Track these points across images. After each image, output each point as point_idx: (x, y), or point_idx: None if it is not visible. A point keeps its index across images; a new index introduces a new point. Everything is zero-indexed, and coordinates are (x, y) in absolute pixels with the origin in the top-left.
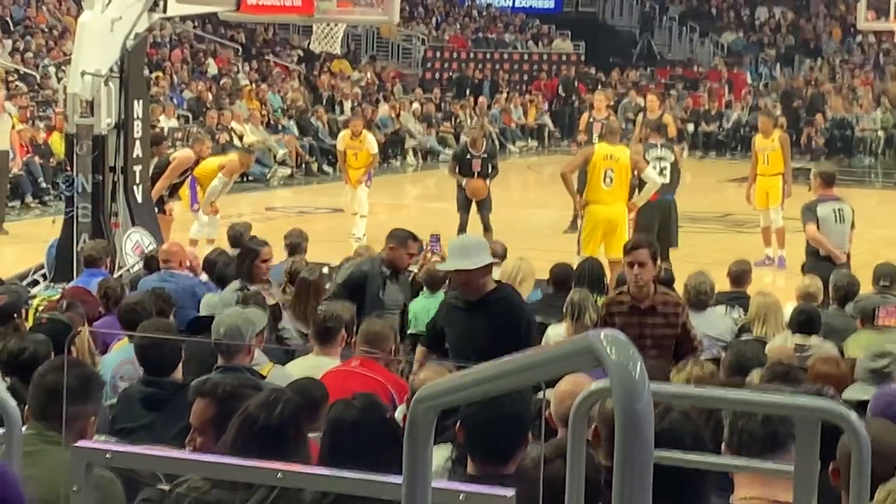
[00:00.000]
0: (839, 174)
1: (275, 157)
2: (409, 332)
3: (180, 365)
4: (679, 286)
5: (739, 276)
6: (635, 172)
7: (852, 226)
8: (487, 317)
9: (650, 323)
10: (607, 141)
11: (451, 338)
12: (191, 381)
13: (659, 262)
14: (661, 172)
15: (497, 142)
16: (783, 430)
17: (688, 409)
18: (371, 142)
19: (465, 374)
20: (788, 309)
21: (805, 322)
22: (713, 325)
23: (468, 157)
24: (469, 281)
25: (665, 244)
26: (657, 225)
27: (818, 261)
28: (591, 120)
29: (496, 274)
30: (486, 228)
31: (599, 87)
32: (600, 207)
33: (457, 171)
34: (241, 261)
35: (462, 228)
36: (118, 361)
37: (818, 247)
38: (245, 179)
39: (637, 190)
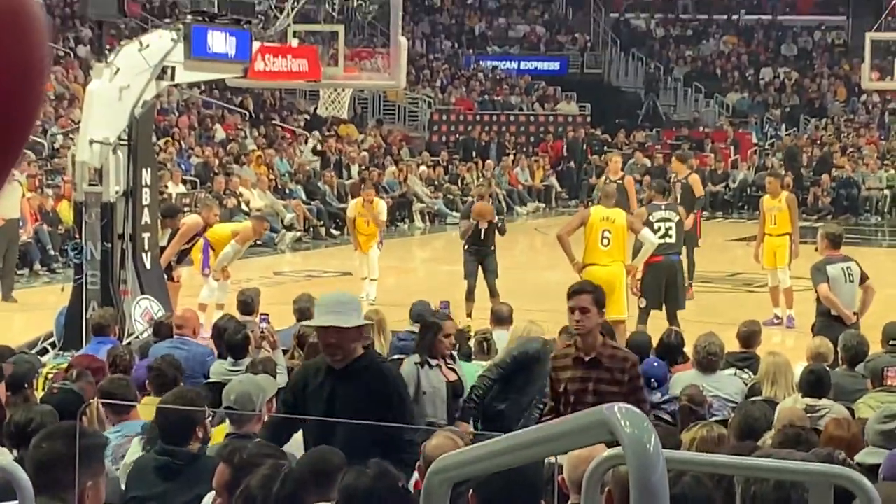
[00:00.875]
0: (846, 233)
1: (283, 221)
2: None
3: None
4: (689, 347)
5: (749, 336)
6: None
7: (863, 280)
8: (355, 387)
9: (594, 377)
10: (603, 203)
11: (312, 410)
12: (204, 452)
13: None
14: (665, 233)
15: (504, 203)
16: (795, 496)
17: (700, 473)
18: (382, 208)
19: (480, 446)
20: (798, 369)
21: (815, 383)
22: (723, 386)
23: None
24: (340, 342)
25: (672, 306)
26: (663, 286)
27: (829, 321)
28: (606, 181)
29: (504, 338)
30: (493, 294)
31: (606, 148)
32: (598, 269)
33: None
34: (422, 335)
35: (469, 293)
36: (118, 441)
37: (831, 307)
38: (254, 244)
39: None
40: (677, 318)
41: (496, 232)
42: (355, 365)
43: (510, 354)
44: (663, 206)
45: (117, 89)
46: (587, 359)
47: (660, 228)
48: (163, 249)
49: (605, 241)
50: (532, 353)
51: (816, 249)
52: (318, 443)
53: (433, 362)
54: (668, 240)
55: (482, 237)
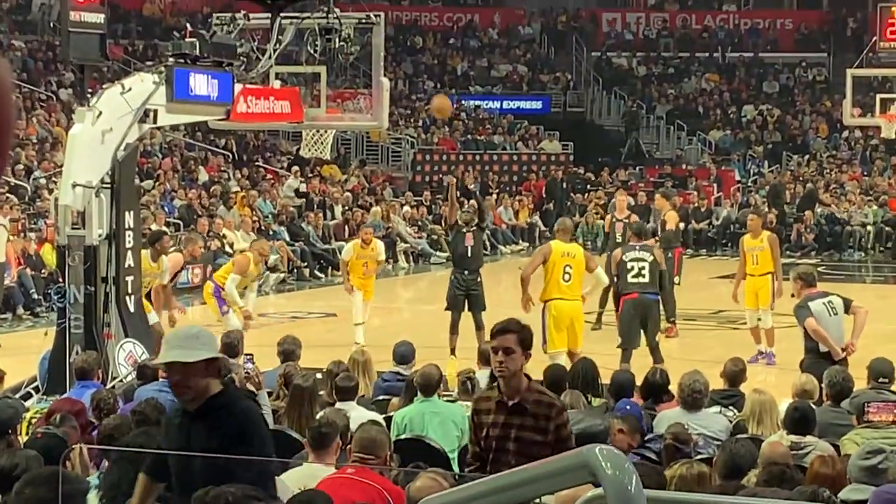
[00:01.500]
0: (831, 270)
1: (266, 263)
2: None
3: None
4: (673, 385)
5: (734, 375)
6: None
7: (847, 307)
8: (209, 427)
9: (517, 423)
10: (561, 238)
11: (170, 458)
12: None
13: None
14: (639, 273)
15: (488, 242)
16: None
17: None
18: (380, 249)
19: (464, 488)
20: (784, 406)
21: (800, 420)
22: (708, 424)
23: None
24: (185, 379)
25: (650, 339)
26: (639, 322)
27: (817, 357)
28: (613, 221)
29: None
30: (479, 328)
31: (588, 186)
32: (562, 303)
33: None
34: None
35: (454, 327)
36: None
37: (820, 341)
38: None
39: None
40: (659, 350)
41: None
42: (210, 404)
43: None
44: (637, 247)
45: (100, 132)
46: (510, 403)
47: (633, 268)
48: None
49: (567, 277)
50: (595, 432)
51: (793, 295)
52: (180, 484)
53: None
54: (640, 279)
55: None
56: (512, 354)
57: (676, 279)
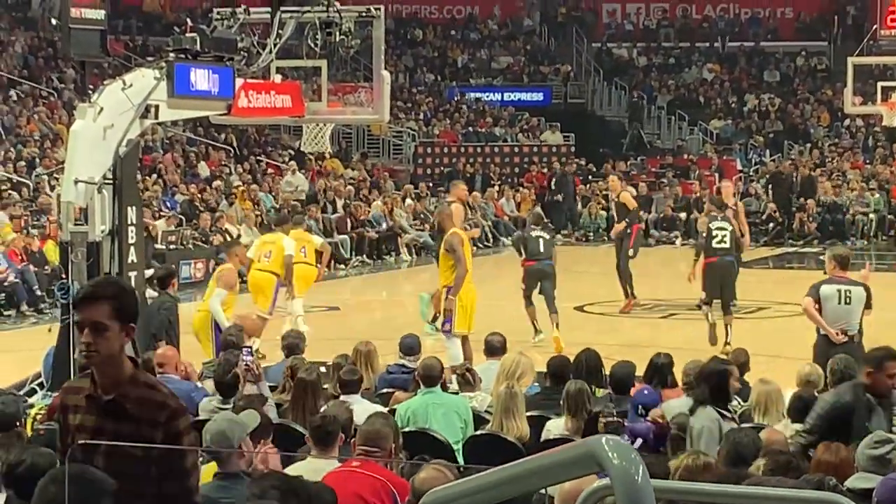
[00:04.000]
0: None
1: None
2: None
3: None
4: (678, 371)
5: (738, 365)
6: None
7: (869, 307)
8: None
9: (110, 429)
10: (459, 227)
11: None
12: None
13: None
14: (721, 239)
15: (490, 234)
16: None
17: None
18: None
19: (468, 480)
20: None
21: (803, 409)
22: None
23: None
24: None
25: (727, 296)
26: (719, 281)
27: (828, 340)
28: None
29: (494, 368)
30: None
31: (591, 177)
32: (471, 287)
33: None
34: (716, 382)
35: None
36: None
37: (811, 319)
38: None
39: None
40: (730, 307)
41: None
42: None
43: (819, 414)
44: (719, 217)
45: (101, 129)
46: (105, 400)
47: (717, 235)
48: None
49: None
50: (845, 403)
51: (825, 273)
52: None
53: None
54: (723, 244)
55: None
56: (105, 332)
57: (631, 252)
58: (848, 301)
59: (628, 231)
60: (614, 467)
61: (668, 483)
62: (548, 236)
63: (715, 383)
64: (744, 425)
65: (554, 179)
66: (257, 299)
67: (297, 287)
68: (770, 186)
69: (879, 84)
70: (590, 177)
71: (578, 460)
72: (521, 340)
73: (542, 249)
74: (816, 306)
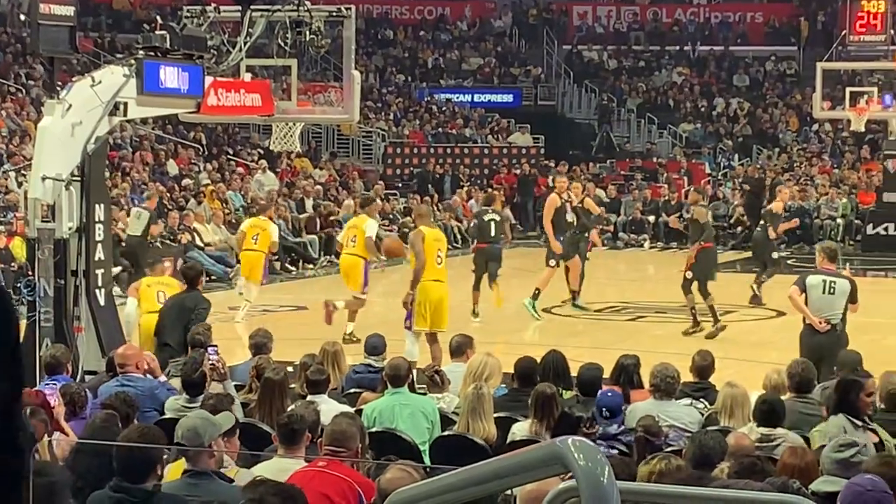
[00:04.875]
0: (801, 262)
1: (237, 256)
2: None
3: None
4: (645, 374)
5: (703, 368)
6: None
7: (854, 301)
8: None
9: None
10: (425, 224)
11: None
12: (159, 489)
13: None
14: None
15: (459, 235)
16: None
17: None
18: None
19: (434, 480)
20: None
21: (769, 412)
22: (679, 416)
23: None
24: None
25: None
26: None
27: (813, 328)
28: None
29: (461, 370)
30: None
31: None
32: (434, 284)
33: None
34: (843, 394)
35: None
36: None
37: (795, 307)
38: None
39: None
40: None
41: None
42: None
43: None
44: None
45: (69, 125)
46: None
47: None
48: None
49: (439, 260)
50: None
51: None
52: None
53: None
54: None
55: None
56: None
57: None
58: (832, 291)
59: (587, 236)
60: (580, 468)
61: (633, 485)
62: (499, 218)
63: (842, 394)
64: (709, 428)
65: (518, 182)
66: (348, 282)
67: (249, 273)
68: (742, 189)
69: (848, 89)
70: (564, 177)
71: (544, 461)
72: (490, 342)
73: (493, 232)
74: (802, 296)
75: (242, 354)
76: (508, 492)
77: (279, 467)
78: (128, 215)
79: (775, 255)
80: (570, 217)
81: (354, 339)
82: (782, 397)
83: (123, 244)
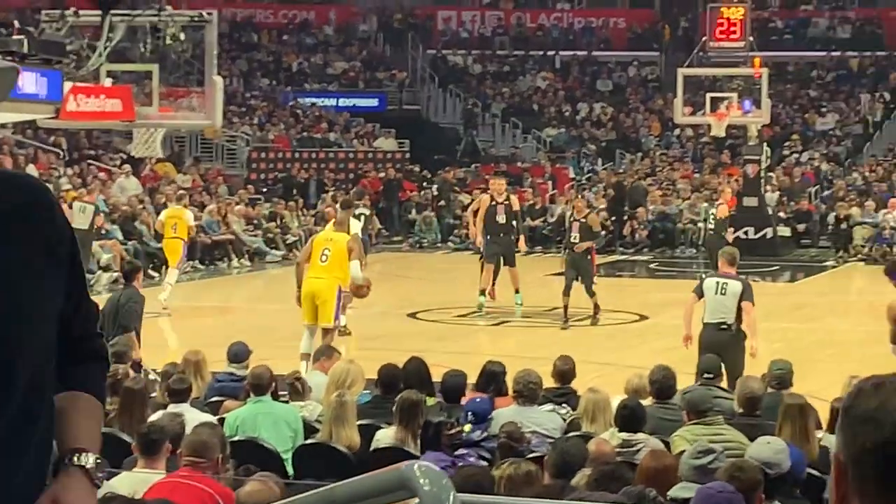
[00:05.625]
0: (664, 266)
1: (98, 262)
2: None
3: None
4: (509, 379)
5: (564, 372)
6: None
7: (748, 300)
8: None
9: None
10: (335, 228)
11: None
12: None
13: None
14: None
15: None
16: None
17: None
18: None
19: (288, 501)
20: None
21: (629, 417)
22: (542, 421)
23: None
24: None
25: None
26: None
27: (713, 329)
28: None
29: (323, 380)
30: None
31: (424, 184)
32: (314, 280)
33: None
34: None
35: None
36: None
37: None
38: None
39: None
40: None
41: None
42: None
43: None
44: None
45: None
46: None
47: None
48: None
49: (324, 258)
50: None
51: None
52: None
53: None
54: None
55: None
56: None
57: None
58: (723, 292)
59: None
60: (425, 494)
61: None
62: (368, 213)
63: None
64: (571, 434)
65: (383, 186)
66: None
67: (170, 260)
68: (607, 194)
69: (708, 95)
70: (424, 183)
71: (392, 486)
72: (353, 349)
73: (359, 228)
74: (700, 301)
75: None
76: None
77: (139, 478)
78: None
79: None
80: (501, 219)
81: (347, 331)
82: (643, 402)
83: None
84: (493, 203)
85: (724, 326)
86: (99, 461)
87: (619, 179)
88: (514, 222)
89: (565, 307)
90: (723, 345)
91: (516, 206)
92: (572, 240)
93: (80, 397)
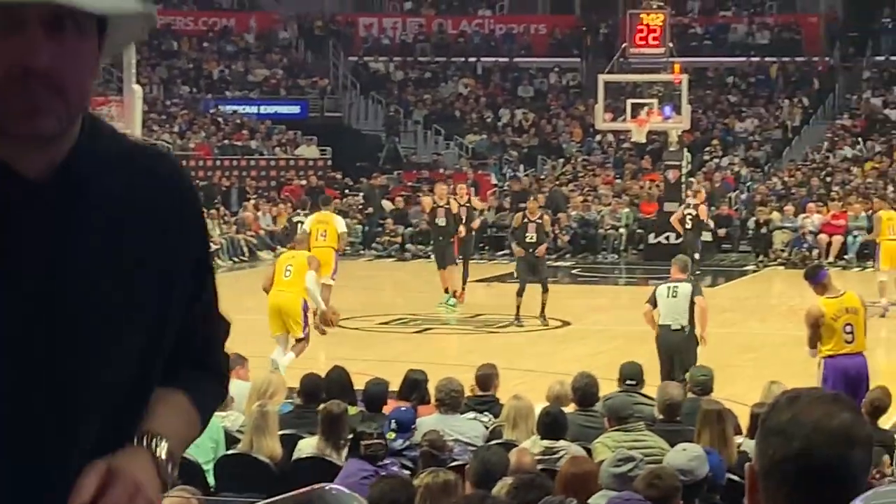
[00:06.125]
0: (586, 272)
1: None
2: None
3: None
4: (431, 387)
5: (485, 379)
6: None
7: (693, 295)
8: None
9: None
10: (298, 247)
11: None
12: None
13: None
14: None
15: (248, 249)
16: None
17: None
18: None
19: None
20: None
21: (551, 424)
22: (464, 429)
23: None
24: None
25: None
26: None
27: (668, 331)
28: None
29: (245, 389)
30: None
31: (347, 191)
32: (279, 293)
33: None
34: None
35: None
36: None
37: (647, 323)
38: None
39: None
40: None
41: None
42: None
43: None
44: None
45: None
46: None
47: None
48: None
49: (287, 273)
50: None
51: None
52: None
53: None
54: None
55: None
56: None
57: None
58: (675, 295)
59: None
60: None
61: None
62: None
63: None
64: (492, 442)
65: (305, 193)
66: (322, 271)
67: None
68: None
69: (629, 101)
70: (346, 190)
71: None
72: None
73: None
74: (655, 310)
75: None
76: None
77: None
78: None
79: (696, 255)
80: (442, 221)
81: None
82: (565, 409)
83: None
84: (435, 206)
85: (678, 328)
86: (173, 454)
87: (531, 185)
88: (452, 225)
89: (518, 307)
90: (677, 345)
91: (455, 210)
92: (528, 240)
93: (174, 393)
